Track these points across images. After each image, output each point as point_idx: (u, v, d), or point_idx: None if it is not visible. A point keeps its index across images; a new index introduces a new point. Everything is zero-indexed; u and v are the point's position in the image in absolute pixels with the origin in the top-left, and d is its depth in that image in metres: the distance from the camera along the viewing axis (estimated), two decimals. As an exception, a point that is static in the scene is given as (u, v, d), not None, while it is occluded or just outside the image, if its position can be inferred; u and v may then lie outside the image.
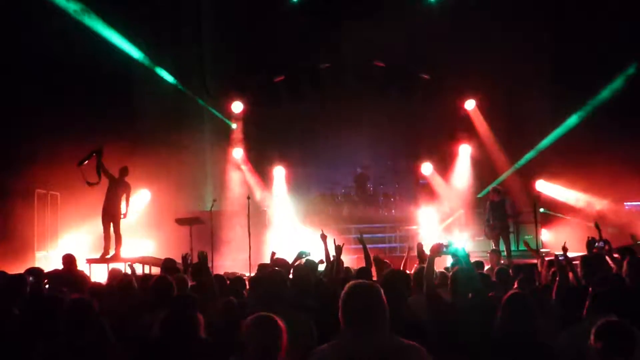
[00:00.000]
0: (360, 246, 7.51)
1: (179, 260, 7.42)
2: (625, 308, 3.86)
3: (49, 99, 11.90)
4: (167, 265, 7.31)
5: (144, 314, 4.91)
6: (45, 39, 11.39)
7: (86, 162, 10.89)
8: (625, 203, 14.09)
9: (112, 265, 10.30)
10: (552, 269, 6.30)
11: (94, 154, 10.94)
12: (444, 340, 3.32)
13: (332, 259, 6.45)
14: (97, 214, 11.47)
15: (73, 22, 12.19)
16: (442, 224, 14.62)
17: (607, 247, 6.70)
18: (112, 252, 11.27)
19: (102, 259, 11.04)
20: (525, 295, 4.06)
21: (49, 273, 7.47)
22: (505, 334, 3.81)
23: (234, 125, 16.28)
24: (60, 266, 8.18)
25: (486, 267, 8.52)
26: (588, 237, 7.20)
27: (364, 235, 7.68)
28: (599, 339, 3.15)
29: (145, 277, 6.97)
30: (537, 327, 3.82)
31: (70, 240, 12.93)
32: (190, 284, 5.96)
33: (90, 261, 11.12)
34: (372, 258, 7.07)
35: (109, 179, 11.25)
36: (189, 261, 6.96)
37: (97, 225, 11.69)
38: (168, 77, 14.86)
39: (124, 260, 10.99)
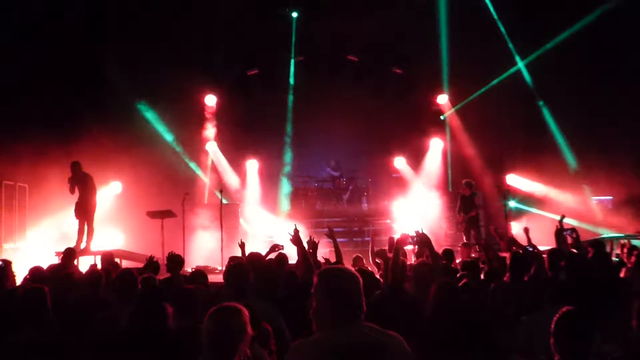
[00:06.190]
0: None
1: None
2: (585, 298, 3.97)
3: (14, 89, 11.74)
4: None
5: (113, 307, 4.92)
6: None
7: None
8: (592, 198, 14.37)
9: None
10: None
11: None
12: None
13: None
14: (66, 207, 11.34)
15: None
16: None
17: (574, 235, 6.81)
18: (82, 245, 11.18)
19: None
20: (451, 282, 4.47)
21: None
22: (434, 315, 4.10)
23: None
24: (29, 259, 8.08)
25: (457, 260, 8.64)
26: (557, 226, 7.26)
27: (335, 229, 7.59)
28: (559, 327, 3.23)
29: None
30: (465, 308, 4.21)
31: (39, 233, 12.77)
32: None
33: (60, 254, 10.96)
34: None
35: (72, 183, 11.22)
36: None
37: (65, 218, 11.56)
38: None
39: (94, 254, 10.89)
